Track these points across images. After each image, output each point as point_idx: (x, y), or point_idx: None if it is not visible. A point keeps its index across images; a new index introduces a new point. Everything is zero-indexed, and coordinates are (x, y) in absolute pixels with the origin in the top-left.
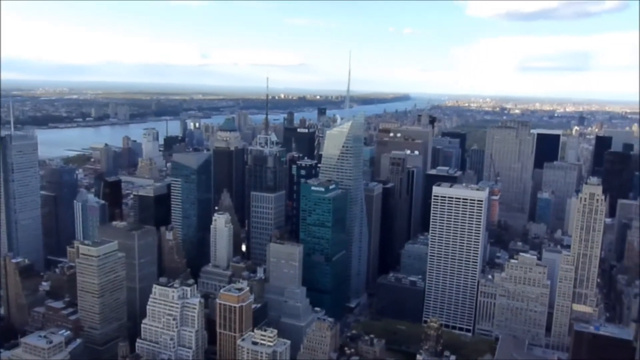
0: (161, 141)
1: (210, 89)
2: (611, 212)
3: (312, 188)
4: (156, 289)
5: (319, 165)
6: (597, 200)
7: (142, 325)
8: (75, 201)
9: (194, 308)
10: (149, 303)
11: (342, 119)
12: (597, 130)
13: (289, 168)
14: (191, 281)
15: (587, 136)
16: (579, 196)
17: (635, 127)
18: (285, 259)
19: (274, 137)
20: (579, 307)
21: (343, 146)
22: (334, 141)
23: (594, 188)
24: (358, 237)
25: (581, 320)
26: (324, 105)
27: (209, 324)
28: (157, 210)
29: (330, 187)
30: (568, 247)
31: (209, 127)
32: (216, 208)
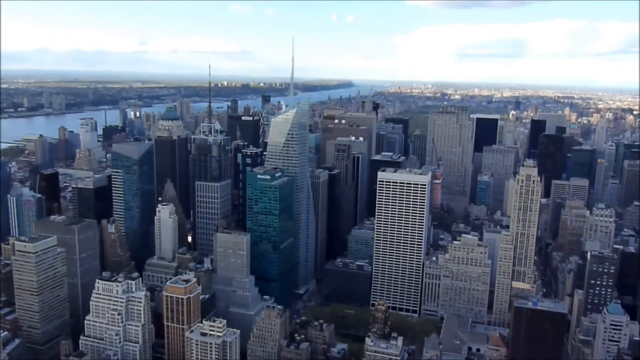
0: (100, 131)
1: (151, 76)
2: (546, 193)
3: (258, 176)
4: (99, 283)
5: (264, 153)
6: (533, 181)
7: (86, 322)
8: (9, 195)
9: (140, 302)
10: (92, 298)
11: (286, 106)
12: (532, 114)
13: (234, 157)
14: (136, 274)
15: (523, 120)
16: (516, 178)
17: (567, 110)
18: (232, 248)
19: (217, 126)
20: (518, 285)
21: (288, 133)
22: (279, 129)
23: (530, 170)
24: (305, 224)
25: (520, 297)
26: (268, 93)
27: (156, 318)
28: (97, 202)
29: (276, 174)
30: (507, 227)
31: (150, 116)
32: (160, 199)
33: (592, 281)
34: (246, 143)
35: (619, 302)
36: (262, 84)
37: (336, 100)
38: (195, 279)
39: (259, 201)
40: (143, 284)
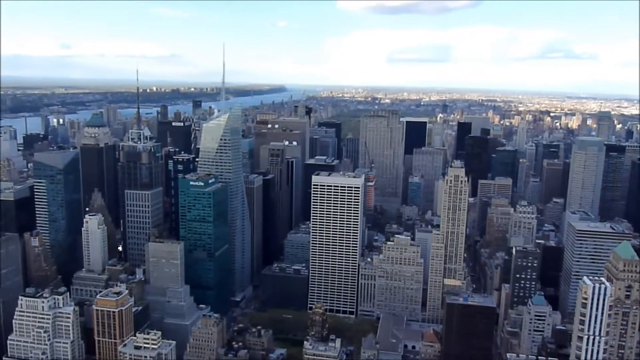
0: (20, 140)
1: (74, 82)
2: (473, 192)
3: (191, 183)
4: (23, 300)
5: (196, 159)
6: (461, 181)
7: (9, 342)
8: None
9: (68, 317)
10: (15, 317)
11: (218, 111)
12: (458, 117)
13: (165, 163)
14: (63, 289)
15: (450, 123)
16: (445, 179)
17: (490, 113)
18: (165, 257)
19: (147, 132)
20: (449, 282)
21: (221, 139)
22: (211, 134)
23: (457, 170)
24: (240, 230)
25: (452, 293)
26: (199, 98)
27: (86, 333)
28: (19, 215)
29: (210, 181)
30: (438, 226)
31: (75, 123)
32: (87, 209)
33: (518, 275)
34: (177, 149)
35: (542, 293)
36: (192, 89)
37: (269, 105)
38: (127, 291)
39: (192, 208)
40: (71, 299)
